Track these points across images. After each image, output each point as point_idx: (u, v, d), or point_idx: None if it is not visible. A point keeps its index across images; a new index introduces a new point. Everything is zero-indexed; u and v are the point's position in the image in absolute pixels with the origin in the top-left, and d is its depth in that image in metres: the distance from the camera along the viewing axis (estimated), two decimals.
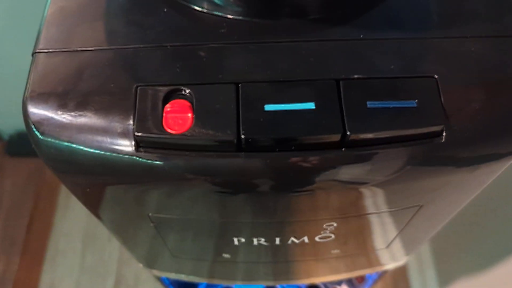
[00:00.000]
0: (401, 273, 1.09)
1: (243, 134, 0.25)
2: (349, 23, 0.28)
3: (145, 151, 0.26)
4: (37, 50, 0.28)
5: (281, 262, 0.42)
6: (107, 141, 0.26)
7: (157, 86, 0.26)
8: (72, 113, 0.27)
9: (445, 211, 0.35)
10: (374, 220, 0.33)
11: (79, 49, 0.28)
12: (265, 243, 0.35)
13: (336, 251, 0.39)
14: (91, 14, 0.29)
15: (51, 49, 0.28)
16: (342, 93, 0.26)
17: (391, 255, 0.45)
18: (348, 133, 0.25)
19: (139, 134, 0.25)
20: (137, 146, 0.26)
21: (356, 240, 0.37)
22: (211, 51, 0.27)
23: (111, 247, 1.30)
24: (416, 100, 0.26)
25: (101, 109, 0.26)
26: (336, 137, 0.25)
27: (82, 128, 0.27)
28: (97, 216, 0.34)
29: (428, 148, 0.26)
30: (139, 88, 0.26)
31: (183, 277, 0.47)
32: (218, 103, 0.26)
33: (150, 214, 0.32)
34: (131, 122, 0.26)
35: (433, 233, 0.41)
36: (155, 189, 0.28)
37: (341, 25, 0.28)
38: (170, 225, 0.33)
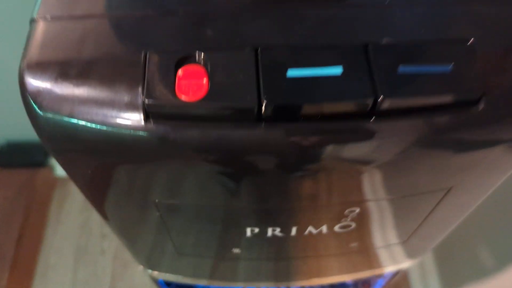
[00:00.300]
0: (403, 281, 1.07)
1: (264, 100, 0.22)
2: None
3: (155, 122, 0.23)
4: (36, 16, 0.25)
5: (293, 259, 0.39)
6: (112, 113, 0.24)
7: (168, 52, 0.24)
8: (74, 83, 0.24)
9: (471, 197, 0.32)
10: (399, 205, 0.31)
11: (82, 15, 0.25)
12: (280, 234, 0.33)
13: (353, 245, 0.37)
14: None
15: (52, 15, 0.25)
16: (371, 57, 0.23)
17: (406, 252, 0.42)
18: (380, 98, 0.22)
19: (149, 101, 0.23)
20: (147, 116, 0.24)
21: (377, 230, 0.35)
22: (226, 16, 0.25)
23: (104, 261, 1.26)
24: (451, 65, 0.24)
25: (106, 78, 0.24)
26: (367, 104, 0.23)
27: (85, 100, 0.24)
28: (98, 207, 0.32)
29: (464, 118, 0.24)
30: (148, 53, 0.23)
31: (183, 279, 0.44)
32: (235, 69, 0.23)
33: (157, 201, 0.29)
34: (139, 90, 0.23)
35: (453, 226, 0.38)
36: (166, 168, 0.25)
37: None
38: (178, 214, 0.31)
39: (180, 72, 0.23)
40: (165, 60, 0.23)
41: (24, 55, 0.25)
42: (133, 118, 0.24)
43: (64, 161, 0.27)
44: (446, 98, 0.24)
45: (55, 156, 0.27)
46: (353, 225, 0.33)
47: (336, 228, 0.33)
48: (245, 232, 0.33)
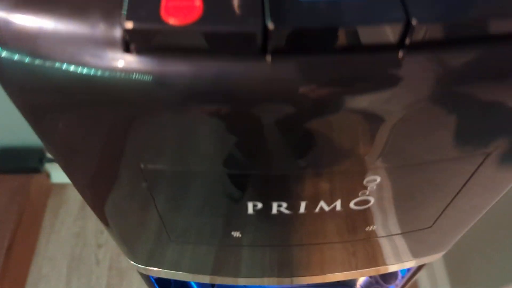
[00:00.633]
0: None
1: (271, 24, 0.18)
2: None
3: (136, 54, 0.19)
4: None
5: (301, 246, 0.34)
6: (85, 47, 0.20)
7: None
8: (38, 11, 0.20)
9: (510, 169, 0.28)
10: (428, 174, 0.26)
11: None
12: (286, 212, 0.28)
13: (371, 229, 0.32)
14: None
15: None
16: None
17: (429, 243, 0.37)
18: (413, 22, 0.18)
19: (129, 26, 0.18)
20: (126, 47, 0.19)
21: (399, 209, 0.30)
22: None
23: (99, 271, 1.22)
24: None
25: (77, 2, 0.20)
26: (396, 31, 0.18)
27: (51, 32, 0.20)
28: (76, 179, 0.27)
29: None
30: None
31: (177, 275, 0.39)
32: None
33: (142, 166, 0.24)
34: (117, 16, 0.19)
35: (483, 210, 0.33)
36: (150, 117, 0.21)
37: None
38: (167, 185, 0.26)
39: None
40: None
41: None
42: (109, 52, 0.19)
43: (30, 113, 0.22)
44: (491, 25, 0.19)
45: (18, 107, 0.22)
46: (372, 201, 0.28)
47: (352, 204, 0.28)
48: (246, 209, 0.28)
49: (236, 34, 0.19)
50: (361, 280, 0.65)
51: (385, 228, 0.32)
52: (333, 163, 0.24)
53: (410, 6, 0.19)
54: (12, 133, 1.20)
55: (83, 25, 0.20)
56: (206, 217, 0.29)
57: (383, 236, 0.33)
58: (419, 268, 0.53)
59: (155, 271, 0.40)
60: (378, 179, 0.26)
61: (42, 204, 1.29)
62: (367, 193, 0.27)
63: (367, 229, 0.32)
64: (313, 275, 0.39)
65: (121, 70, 0.19)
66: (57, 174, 1.31)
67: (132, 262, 0.40)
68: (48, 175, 1.32)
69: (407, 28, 0.19)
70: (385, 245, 0.35)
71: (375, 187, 0.26)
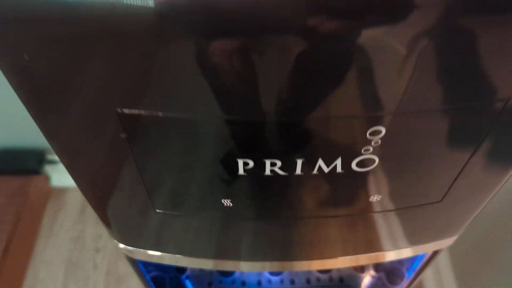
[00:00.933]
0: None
1: None
2: None
3: None
4: None
5: (298, 220, 0.31)
6: None
7: None
8: None
9: None
10: (438, 128, 0.23)
11: None
12: (281, 173, 0.25)
13: (375, 199, 0.29)
14: None
15: None
16: None
17: (438, 223, 0.34)
18: None
19: None
20: None
21: (406, 175, 0.27)
22: None
23: (97, 276, 1.18)
24: None
25: None
26: None
27: None
28: (47, 129, 0.24)
29: None
30: None
31: (164, 258, 0.36)
32: None
33: (119, 111, 0.22)
34: None
35: (497, 186, 0.30)
36: (133, 48, 0.18)
37: None
38: (148, 135, 0.23)
39: None
40: None
41: None
42: None
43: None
44: None
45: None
46: (376, 161, 0.25)
47: (354, 165, 0.25)
48: (236, 168, 0.25)
49: None
50: (366, 281, 0.62)
51: (391, 199, 0.29)
52: (334, 106, 0.21)
53: None
54: (12, 134, 1.19)
55: None
56: (192, 178, 0.27)
57: (389, 210, 0.30)
58: (425, 265, 0.49)
59: (143, 253, 0.37)
60: (383, 130, 0.23)
61: (40, 207, 1.27)
62: (371, 150, 0.24)
63: (371, 199, 0.28)
64: (312, 259, 0.36)
65: None
66: (57, 177, 1.29)
67: (120, 244, 0.37)
68: (48, 178, 1.30)
69: None
70: (392, 223, 0.32)
71: (379, 143, 0.24)
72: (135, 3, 0.17)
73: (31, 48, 0.19)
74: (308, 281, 0.64)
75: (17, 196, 1.19)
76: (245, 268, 0.37)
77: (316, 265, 0.36)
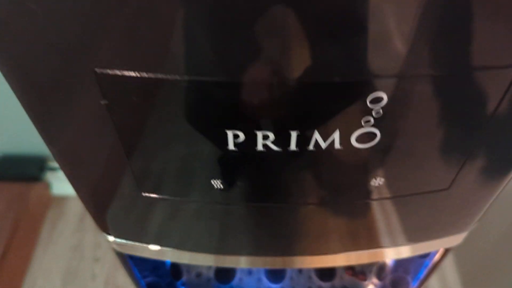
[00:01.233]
0: None
1: None
2: None
3: None
4: None
5: (294, 206, 0.29)
6: None
7: None
8: None
9: None
10: (446, 97, 0.21)
11: None
12: (274, 148, 0.23)
13: (377, 183, 0.27)
14: None
15: None
16: None
17: (447, 216, 0.32)
18: None
19: None
20: None
21: (410, 154, 0.25)
22: None
23: (94, 286, 1.16)
24: None
25: None
26: None
27: None
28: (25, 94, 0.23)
29: None
30: None
31: (153, 252, 0.34)
32: None
33: (98, 70, 0.20)
34: None
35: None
36: None
37: None
38: (129, 100, 0.21)
39: None
40: None
41: None
42: None
43: None
44: None
45: None
46: (378, 136, 0.23)
47: (354, 140, 0.23)
48: (225, 142, 0.23)
49: None
50: None
51: (395, 183, 0.27)
52: (329, 67, 0.19)
53: None
54: (13, 140, 1.18)
55: None
56: (179, 155, 0.25)
57: (392, 197, 0.28)
58: (431, 272, 0.47)
59: (132, 247, 0.35)
60: (384, 97, 0.21)
61: (40, 215, 1.25)
62: (372, 121, 0.22)
63: (373, 182, 0.26)
64: (309, 254, 0.33)
65: None
66: (58, 185, 1.27)
67: (108, 237, 0.35)
68: (48, 186, 1.29)
69: None
70: (396, 213, 0.29)
71: (381, 112, 0.22)
72: None
73: None
74: None
75: (17, 203, 1.18)
76: (237, 263, 0.35)
77: (313, 261, 0.34)
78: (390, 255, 0.34)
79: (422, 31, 0.18)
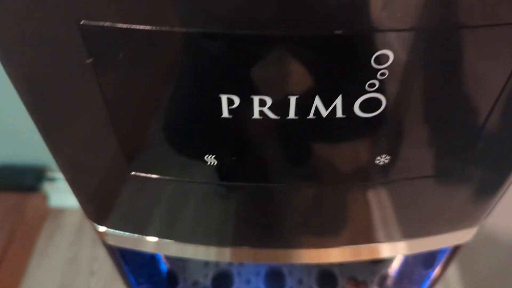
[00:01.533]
0: None
1: None
2: None
3: None
4: None
5: (293, 186, 0.27)
6: None
7: None
8: None
9: None
10: (457, 57, 0.20)
11: None
12: (272, 115, 0.22)
13: (382, 161, 0.25)
14: None
15: None
16: None
17: (457, 206, 0.30)
18: None
19: None
20: None
21: (417, 129, 0.23)
22: None
23: None
24: None
25: None
26: None
27: None
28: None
29: None
30: None
31: (144, 243, 0.32)
32: None
33: (83, 22, 0.19)
34: None
35: None
36: None
37: None
38: (117, 62, 0.20)
39: None
40: None
41: None
42: None
43: None
44: None
45: None
46: (383, 104, 0.21)
47: (357, 108, 0.21)
48: (219, 108, 0.21)
49: None
50: None
51: (401, 162, 0.25)
52: (329, 19, 0.18)
53: None
54: (11, 149, 1.17)
55: None
56: (170, 125, 0.23)
57: (398, 180, 0.26)
58: (435, 282, 0.44)
59: (122, 237, 0.33)
60: (390, 56, 0.19)
61: (36, 226, 1.23)
62: (376, 85, 0.20)
63: (377, 160, 0.25)
64: (306, 247, 0.31)
65: None
66: (56, 197, 1.26)
67: (99, 227, 0.33)
68: (46, 197, 1.27)
69: None
70: (402, 200, 0.27)
71: (386, 74, 0.20)
72: None
73: None
74: None
75: (13, 213, 1.16)
76: (229, 256, 0.32)
77: (311, 255, 0.32)
78: (398, 250, 0.32)
79: None
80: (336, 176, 0.25)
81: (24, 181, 1.18)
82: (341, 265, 0.63)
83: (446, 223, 0.31)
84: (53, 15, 0.19)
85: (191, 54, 0.19)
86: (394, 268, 0.58)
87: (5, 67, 0.21)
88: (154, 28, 0.18)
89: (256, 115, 0.22)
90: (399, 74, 0.20)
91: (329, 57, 0.19)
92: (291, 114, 0.22)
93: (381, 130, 0.23)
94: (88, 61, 0.20)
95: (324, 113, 0.22)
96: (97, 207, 0.30)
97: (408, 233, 0.31)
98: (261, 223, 0.30)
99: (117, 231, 0.32)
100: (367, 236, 0.31)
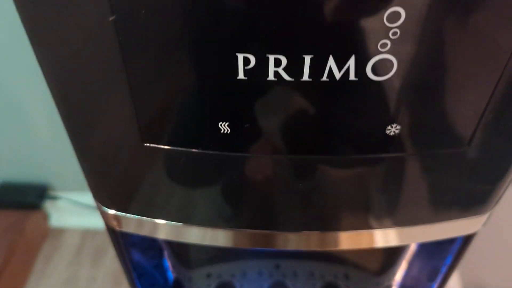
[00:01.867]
0: None
1: None
2: None
3: None
4: None
5: (303, 158, 0.27)
6: None
7: None
8: None
9: None
10: (469, 20, 0.20)
11: None
12: (286, 77, 0.22)
13: (393, 131, 0.25)
14: None
15: None
16: None
17: (466, 186, 0.30)
18: None
19: None
20: None
21: (429, 87, 0.23)
22: None
23: None
24: None
25: None
26: None
27: None
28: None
29: None
30: None
31: (152, 227, 0.32)
32: None
33: None
34: None
35: None
36: None
37: None
38: (140, 21, 0.21)
39: None
40: None
41: None
42: None
43: None
44: None
45: None
46: (395, 65, 0.22)
47: (369, 70, 0.22)
48: (236, 68, 0.22)
49: None
50: None
51: (412, 131, 0.25)
52: None
53: None
54: (13, 167, 1.18)
55: None
56: (185, 88, 0.23)
57: (408, 154, 0.26)
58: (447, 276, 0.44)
59: (130, 221, 0.33)
60: (402, 13, 0.20)
61: (36, 245, 1.22)
62: (388, 45, 0.21)
63: (388, 130, 0.25)
64: (311, 229, 0.31)
65: None
66: (57, 216, 1.25)
67: (108, 211, 0.33)
68: (47, 217, 1.26)
69: None
70: (411, 178, 0.28)
71: (398, 34, 0.21)
72: None
73: None
74: None
75: (13, 231, 1.15)
76: (241, 241, 0.32)
77: (323, 239, 0.32)
78: (408, 237, 0.32)
79: None
80: (345, 146, 0.26)
81: (26, 199, 1.18)
82: (346, 278, 0.63)
83: (456, 207, 0.31)
84: None
85: (210, 10, 0.20)
86: (397, 280, 0.57)
87: (26, 29, 0.22)
88: None
89: (271, 76, 0.22)
90: (411, 33, 0.21)
91: (343, 13, 0.20)
92: (305, 76, 0.22)
93: (392, 96, 0.23)
94: (111, 18, 0.21)
95: (338, 75, 0.22)
96: (108, 185, 0.30)
97: (418, 216, 0.31)
98: (271, 201, 0.30)
99: (126, 214, 0.32)
100: (377, 219, 0.31)
